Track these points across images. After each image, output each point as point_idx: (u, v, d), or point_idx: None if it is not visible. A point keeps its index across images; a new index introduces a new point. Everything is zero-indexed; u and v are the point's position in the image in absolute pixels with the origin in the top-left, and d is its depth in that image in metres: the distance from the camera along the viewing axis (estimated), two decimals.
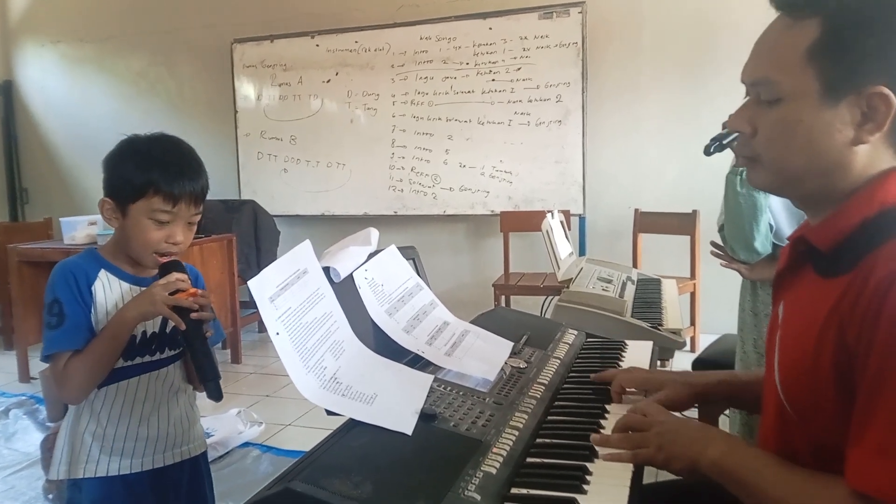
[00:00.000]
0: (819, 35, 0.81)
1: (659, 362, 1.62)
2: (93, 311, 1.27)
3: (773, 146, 0.86)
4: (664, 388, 1.13)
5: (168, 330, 1.32)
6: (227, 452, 2.78)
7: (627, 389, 1.18)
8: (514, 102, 4.52)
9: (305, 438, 2.89)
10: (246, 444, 2.86)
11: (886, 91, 0.78)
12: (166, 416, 1.37)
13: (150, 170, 1.25)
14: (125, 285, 1.31)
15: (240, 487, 2.47)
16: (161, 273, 1.27)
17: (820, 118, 0.82)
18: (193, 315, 1.22)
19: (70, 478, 1.31)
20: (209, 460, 1.51)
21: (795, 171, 0.86)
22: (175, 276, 1.25)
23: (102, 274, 1.30)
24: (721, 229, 1.86)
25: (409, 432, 0.92)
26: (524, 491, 0.85)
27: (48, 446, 1.79)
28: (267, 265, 1.01)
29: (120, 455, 1.32)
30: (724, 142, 1.62)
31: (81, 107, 5.81)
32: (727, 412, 1.95)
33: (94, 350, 1.23)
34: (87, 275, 1.28)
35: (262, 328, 4.86)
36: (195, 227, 1.34)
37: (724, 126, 1.68)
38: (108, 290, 1.29)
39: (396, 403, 0.99)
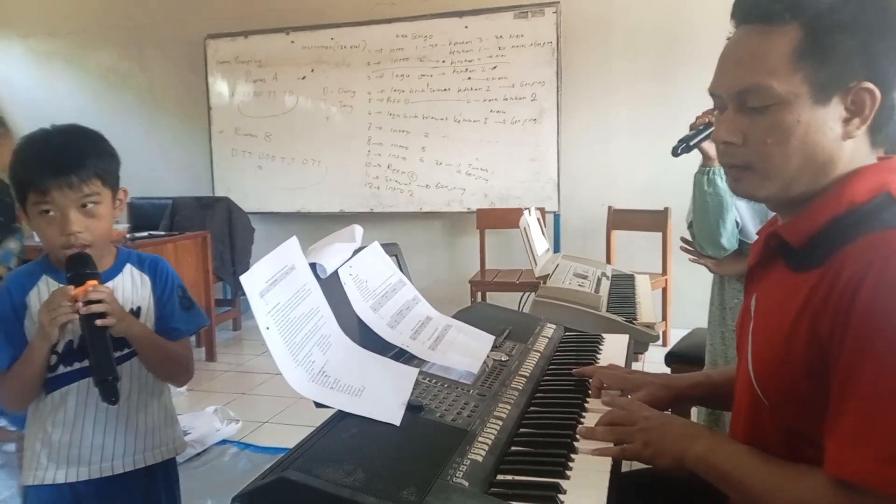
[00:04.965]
0: (801, 39, 0.84)
1: (634, 355, 1.66)
2: (27, 320, 1.26)
3: (770, 150, 0.88)
4: (643, 389, 1.16)
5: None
6: (205, 450, 2.77)
7: (605, 387, 1.20)
8: (489, 101, 4.56)
9: (282, 435, 2.89)
10: (223, 442, 2.86)
11: (871, 86, 0.83)
12: (125, 421, 1.32)
13: (18, 169, 1.23)
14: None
15: (218, 485, 2.47)
16: (67, 268, 1.22)
17: (815, 117, 0.85)
18: (82, 310, 1.18)
19: (24, 485, 1.30)
20: (186, 458, 1.46)
21: (792, 173, 0.88)
22: (57, 294, 1.20)
23: (43, 280, 1.29)
24: (690, 226, 1.91)
25: (398, 423, 0.94)
26: (510, 477, 0.88)
27: (20, 447, 1.78)
28: (242, 263, 1.02)
29: (66, 463, 1.29)
30: (692, 143, 1.67)
31: (49, 102, 5.67)
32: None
33: (15, 371, 1.24)
34: (24, 285, 1.28)
35: (236, 326, 4.83)
36: (100, 208, 1.26)
37: (691, 127, 1.73)
38: (47, 295, 1.26)
39: (384, 395, 1.01)
